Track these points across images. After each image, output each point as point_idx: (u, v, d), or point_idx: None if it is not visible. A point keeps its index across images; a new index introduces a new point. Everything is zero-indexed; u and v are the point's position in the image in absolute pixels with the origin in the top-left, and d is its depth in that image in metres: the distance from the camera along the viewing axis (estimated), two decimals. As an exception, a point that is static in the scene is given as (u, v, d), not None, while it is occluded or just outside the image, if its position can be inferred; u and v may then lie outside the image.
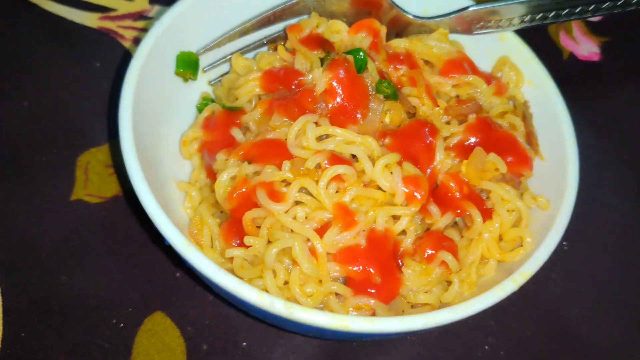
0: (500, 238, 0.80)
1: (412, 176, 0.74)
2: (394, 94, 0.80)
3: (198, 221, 0.80)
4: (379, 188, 0.74)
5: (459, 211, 0.77)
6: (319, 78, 0.78)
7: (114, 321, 0.82)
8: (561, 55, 1.19)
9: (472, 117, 0.82)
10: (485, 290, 0.70)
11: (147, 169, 0.72)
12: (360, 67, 0.79)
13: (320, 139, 0.76)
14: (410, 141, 0.78)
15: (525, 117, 0.85)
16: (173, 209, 0.79)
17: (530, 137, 0.84)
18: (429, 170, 0.77)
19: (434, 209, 0.76)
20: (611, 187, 1.06)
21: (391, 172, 0.74)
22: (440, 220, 0.76)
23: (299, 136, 0.76)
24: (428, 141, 0.78)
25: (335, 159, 0.74)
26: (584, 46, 1.19)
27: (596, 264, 0.98)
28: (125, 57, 1.03)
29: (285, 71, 0.83)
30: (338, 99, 0.77)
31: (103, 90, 1.00)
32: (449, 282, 0.77)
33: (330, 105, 0.78)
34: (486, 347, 0.88)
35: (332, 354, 0.84)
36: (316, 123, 0.76)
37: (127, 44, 1.05)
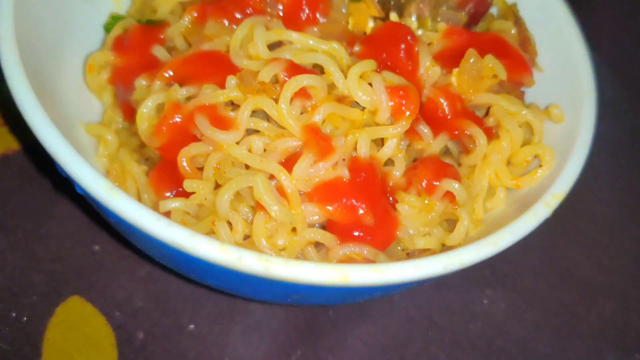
0: (507, 161, 0.68)
1: (397, 86, 0.61)
2: None
3: (119, 171, 0.66)
4: (356, 105, 0.61)
5: (456, 132, 0.64)
6: None
7: (14, 315, 0.70)
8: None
9: (442, 25, 0.70)
10: (496, 228, 0.58)
11: (45, 105, 0.57)
12: None
13: (272, 47, 0.63)
14: (387, 48, 0.65)
15: (518, 21, 0.74)
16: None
17: (526, 44, 0.72)
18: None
19: (424, 129, 0.63)
20: (598, 108, 0.99)
21: (369, 83, 0.60)
22: (434, 142, 0.63)
23: (245, 45, 0.62)
24: (407, 47, 0.65)
25: (296, 68, 0.60)
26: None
27: (591, 197, 0.93)
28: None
29: None
30: None
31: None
32: (449, 222, 0.65)
33: (280, 5, 0.65)
34: (485, 300, 0.80)
35: (304, 327, 0.74)
36: (266, 27, 0.63)
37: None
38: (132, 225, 0.49)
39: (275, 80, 0.59)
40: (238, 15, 0.64)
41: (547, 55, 0.74)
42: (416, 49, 0.65)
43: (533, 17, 0.77)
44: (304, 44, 0.61)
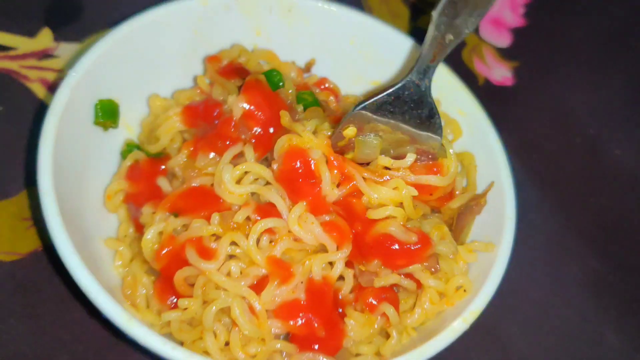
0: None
1: (328, 222, 0.73)
2: (316, 102, 0.81)
3: (131, 281, 0.77)
4: None
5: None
6: (233, 103, 0.76)
7: (42, 390, 0.77)
8: (477, 81, 1.24)
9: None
10: (425, 336, 0.70)
11: (71, 229, 0.68)
12: (276, 85, 0.80)
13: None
14: (296, 177, 0.74)
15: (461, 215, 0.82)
16: (102, 269, 0.75)
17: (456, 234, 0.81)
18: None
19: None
20: (533, 206, 1.10)
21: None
22: (381, 281, 0.75)
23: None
24: (309, 178, 0.74)
25: (263, 210, 0.72)
26: (497, 71, 1.25)
27: (527, 281, 1.02)
28: (32, 101, 0.97)
29: (204, 104, 0.81)
30: (259, 118, 0.77)
31: (9, 135, 0.94)
32: (388, 333, 0.77)
33: (253, 130, 0.77)
34: None
35: None
36: (242, 152, 0.77)
37: (32, 85, 0.99)
38: (146, 347, 0.63)
39: (249, 219, 0.72)
40: (220, 144, 0.75)
41: (483, 177, 0.86)
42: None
43: (473, 143, 0.88)
44: (260, 175, 0.74)
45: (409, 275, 0.76)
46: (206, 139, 0.78)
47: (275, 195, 0.73)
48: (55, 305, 0.82)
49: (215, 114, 0.79)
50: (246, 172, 0.76)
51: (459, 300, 0.78)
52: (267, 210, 0.73)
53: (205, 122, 0.81)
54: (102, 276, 0.71)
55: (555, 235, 1.09)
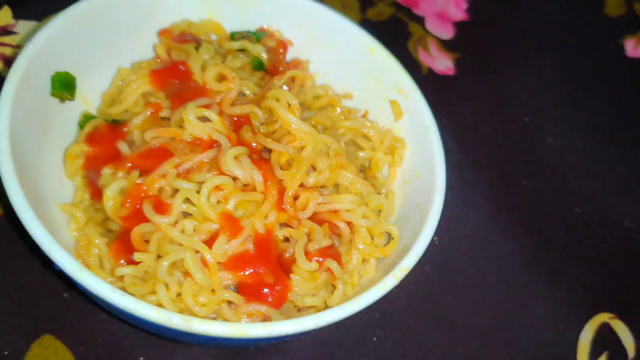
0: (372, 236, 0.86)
1: (257, 161, 0.78)
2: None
3: (85, 242, 0.79)
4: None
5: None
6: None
7: (-3, 350, 0.79)
8: (421, 70, 1.32)
9: None
10: (368, 288, 0.75)
11: (29, 193, 0.69)
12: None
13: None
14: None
15: None
16: (58, 232, 0.76)
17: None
18: None
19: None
20: (470, 185, 1.17)
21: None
22: (322, 241, 0.81)
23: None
24: None
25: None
26: (440, 62, 1.33)
27: (464, 255, 1.09)
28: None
29: (171, 64, 0.86)
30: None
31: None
32: (334, 286, 0.82)
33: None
34: (375, 338, 0.94)
35: (231, 359, 0.86)
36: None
37: (-7, 61, 0.99)
38: (95, 294, 0.65)
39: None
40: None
41: (418, 154, 0.92)
42: None
43: (409, 121, 0.93)
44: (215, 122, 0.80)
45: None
46: (182, 95, 0.83)
47: (221, 136, 0.79)
48: (10, 271, 0.85)
49: (182, 69, 0.85)
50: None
51: (392, 250, 0.84)
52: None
53: (177, 80, 0.85)
54: (56, 237, 0.70)
55: (491, 213, 1.16)
